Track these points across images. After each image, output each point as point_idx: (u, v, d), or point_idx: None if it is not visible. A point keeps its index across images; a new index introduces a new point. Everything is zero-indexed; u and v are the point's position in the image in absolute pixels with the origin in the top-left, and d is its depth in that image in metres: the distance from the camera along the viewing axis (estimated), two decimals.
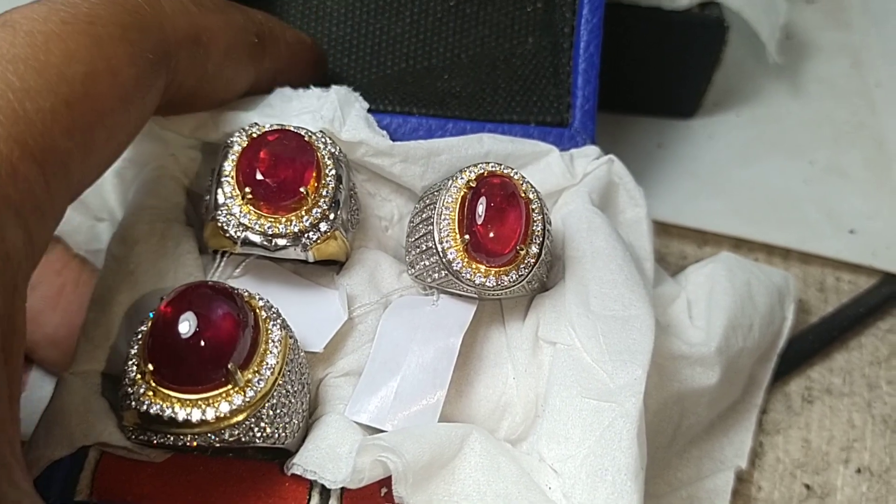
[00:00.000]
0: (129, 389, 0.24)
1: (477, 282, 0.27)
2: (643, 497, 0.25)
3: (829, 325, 0.38)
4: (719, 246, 0.40)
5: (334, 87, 0.30)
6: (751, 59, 0.46)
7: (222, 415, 0.23)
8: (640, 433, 0.25)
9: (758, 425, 0.35)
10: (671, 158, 0.43)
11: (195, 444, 0.24)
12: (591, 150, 0.32)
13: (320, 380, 0.28)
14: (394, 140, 0.30)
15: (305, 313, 0.27)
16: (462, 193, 0.27)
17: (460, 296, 0.28)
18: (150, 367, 0.23)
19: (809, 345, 0.37)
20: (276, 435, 0.24)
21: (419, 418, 0.27)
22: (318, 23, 0.34)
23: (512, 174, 0.28)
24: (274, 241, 0.26)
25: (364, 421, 0.26)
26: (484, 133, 0.31)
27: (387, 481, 0.25)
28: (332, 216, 0.27)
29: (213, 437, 0.24)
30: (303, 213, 0.26)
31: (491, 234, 0.26)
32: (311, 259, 0.27)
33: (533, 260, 0.27)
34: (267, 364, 0.24)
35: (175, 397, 0.23)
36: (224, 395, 0.23)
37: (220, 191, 0.26)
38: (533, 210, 0.27)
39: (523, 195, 0.27)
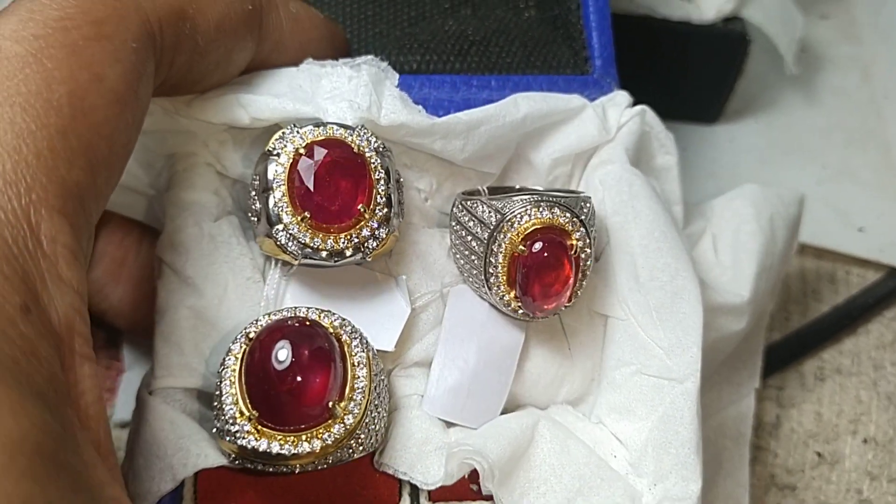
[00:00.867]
0: (230, 427, 0.23)
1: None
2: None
3: (840, 313, 0.39)
4: None
5: (364, 65, 0.27)
6: (770, 70, 0.46)
7: (326, 444, 0.23)
8: (699, 408, 0.26)
9: (765, 354, 0.34)
10: (695, 160, 0.44)
11: (297, 471, 0.24)
12: (621, 97, 0.30)
13: (390, 371, 0.27)
14: (419, 102, 0.28)
15: (369, 308, 0.27)
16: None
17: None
18: (254, 411, 0.23)
19: (822, 330, 0.39)
20: (369, 443, 0.24)
21: (488, 409, 0.27)
22: None
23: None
24: (335, 258, 0.25)
25: (440, 416, 0.27)
26: (516, 94, 0.28)
27: (473, 475, 0.25)
28: (387, 220, 0.26)
29: (315, 463, 0.24)
30: (361, 226, 0.25)
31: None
32: (368, 261, 0.26)
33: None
34: (358, 389, 0.24)
35: (278, 435, 0.23)
36: (325, 428, 0.23)
37: (274, 206, 0.25)
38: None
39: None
